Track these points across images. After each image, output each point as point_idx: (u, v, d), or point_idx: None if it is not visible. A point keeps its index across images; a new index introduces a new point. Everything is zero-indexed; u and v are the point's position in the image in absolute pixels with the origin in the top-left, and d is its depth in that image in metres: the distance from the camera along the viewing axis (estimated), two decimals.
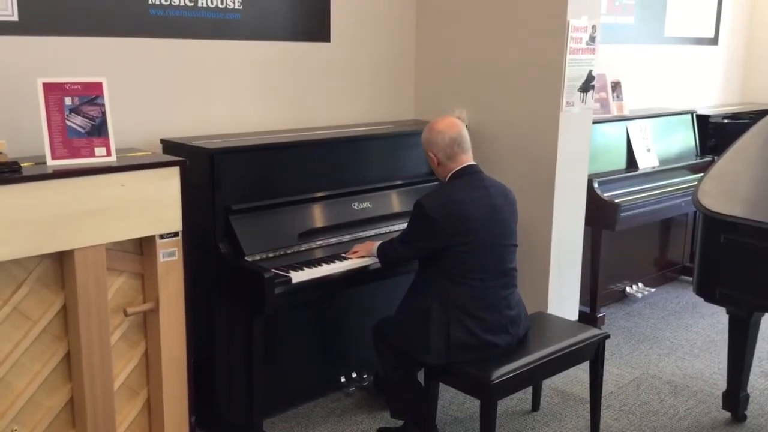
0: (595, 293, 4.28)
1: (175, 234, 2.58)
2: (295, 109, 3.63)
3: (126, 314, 2.53)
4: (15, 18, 2.71)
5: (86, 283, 2.38)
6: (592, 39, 3.61)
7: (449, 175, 2.80)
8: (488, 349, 2.71)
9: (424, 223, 2.69)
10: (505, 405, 3.34)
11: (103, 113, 2.48)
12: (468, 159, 2.82)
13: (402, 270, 3.16)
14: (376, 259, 2.97)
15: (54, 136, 2.39)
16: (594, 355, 2.99)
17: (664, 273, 5.14)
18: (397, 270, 3.12)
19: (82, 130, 2.44)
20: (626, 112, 4.65)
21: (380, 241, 2.98)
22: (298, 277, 2.81)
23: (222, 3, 3.27)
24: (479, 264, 2.70)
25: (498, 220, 2.75)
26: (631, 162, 4.55)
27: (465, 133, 2.82)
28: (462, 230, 2.67)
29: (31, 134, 2.56)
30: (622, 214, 4.09)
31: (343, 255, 3.03)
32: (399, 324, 2.86)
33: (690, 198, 4.29)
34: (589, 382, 3.06)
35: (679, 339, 4.21)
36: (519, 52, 3.66)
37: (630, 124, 4.58)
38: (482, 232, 2.70)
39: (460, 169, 2.79)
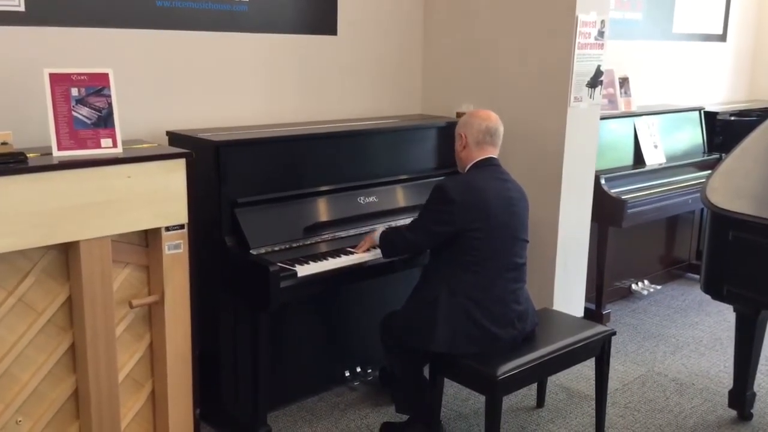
0: (601, 290, 4.27)
1: (181, 226, 2.57)
2: (302, 102, 3.62)
3: (131, 306, 2.53)
4: (21, 8, 2.70)
5: (91, 274, 2.38)
6: (601, 34, 3.58)
7: (470, 165, 2.82)
8: (493, 342, 2.71)
9: (444, 206, 2.69)
10: (509, 401, 3.34)
11: (110, 104, 2.47)
12: (492, 153, 2.85)
13: (409, 264, 3.16)
14: (378, 254, 2.96)
15: (60, 126, 2.38)
16: (600, 352, 2.98)
17: (670, 270, 5.13)
18: (402, 263, 3.12)
19: (89, 121, 2.43)
20: (634, 109, 4.63)
21: (382, 229, 2.97)
22: (303, 270, 2.81)
23: None
24: (491, 253, 2.70)
25: (513, 212, 2.77)
26: (639, 158, 4.54)
27: (501, 130, 2.87)
28: (479, 217, 2.67)
29: (37, 125, 2.56)
30: (628, 211, 4.08)
31: (350, 249, 3.02)
32: (406, 314, 2.86)
33: (697, 195, 4.30)
34: (594, 379, 3.04)
35: (685, 337, 4.20)
36: (527, 46, 3.64)
37: (637, 120, 4.56)
38: (497, 222, 2.70)
39: (482, 160, 2.81)
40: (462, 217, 2.68)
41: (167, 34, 3.11)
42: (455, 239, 2.70)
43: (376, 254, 2.99)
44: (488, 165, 2.82)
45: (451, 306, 2.69)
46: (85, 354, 2.42)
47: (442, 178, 3.22)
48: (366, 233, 3.15)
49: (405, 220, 3.25)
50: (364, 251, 3.01)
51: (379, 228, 3.03)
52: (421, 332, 2.74)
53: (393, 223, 3.26)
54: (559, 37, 3.52)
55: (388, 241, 2.91)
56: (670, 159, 4.70)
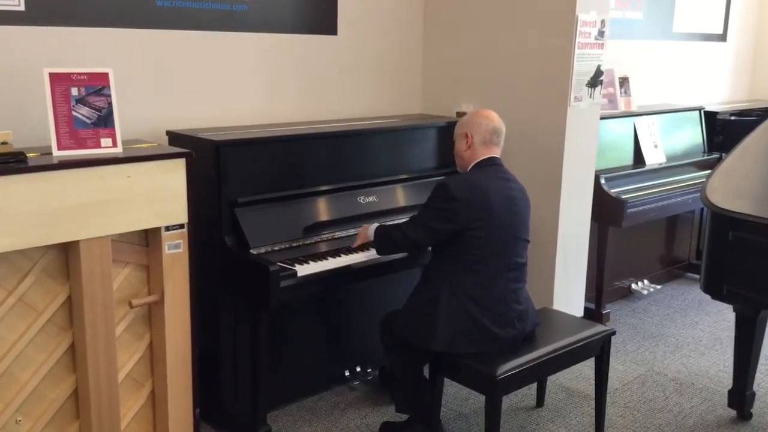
0: (601, 290, 4.27)
1: (181, 226, 2.57)
2: (302, 101, 3.62)
3: (131, 306, 2.53)
4: (21, 8, 2.70)
5: (91, 274, 2.38)
6: (601, 34, 3.58)
7: (473, 164, 2.82)
8: (492, 341, 2.71)
9: (446, 203, 2.69)
10: (509, 401, 3.34)
11: (110, 104, 2.47)
12: (496, 153, 2.85)
13: (409, 263, 3.15)
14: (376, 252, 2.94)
15: (60, 126, 2.38)
16: (599, 351, 2.98)
17: (670, 270, 5.13)
18: (402, 263, 3.12)
19: (89, 121, 2.43)
20: (634, 108, 4.63)
21: (377, 224, 2.96)
22: (303, 270, 2.80)
23: None
24: (492, 252, 2.70)
25: (515, 212, 2.77)
26: (639, 158, 4.54)
27: (504, 130, 2.87)
28: (481, 215, 2.67)
29: (37, 124, 2.56)
30: (628, 211, 4.08)
31: (349, 247, 3.02)
32: (407, 313, 2.85)
33: (697, 195, 4.30)
34: (594, 378, 3.04)
35: (685, 336, 4.20)
36: (527, 46, 3.64)
37: (637, 120, 4.56)
38: (499, 221, 2.70)
39: (484, 159, 2.81)
40: (464, 215, 2.67)
41: (167, 34, 3.10)
42: (456, 238, 2.70)
43: (374, 255, 2.97)
44: (491, 164, 2.82)
45: (452, 305, 2.69)
46: (85, 354, 2.42)
47: (442, 177, 3.22)
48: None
49: (405, 220, 3.26)
50: (357, 246, 3.00)
51: (374, 223, 2.99)
52: (421, 331, 2.74)
53: (393, 223, 3.25)
54: (559, 36, 3.51)
55: (385, 236, 2.88)
56: (670, 159, 4.70)
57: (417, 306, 2.81)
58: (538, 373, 2.98)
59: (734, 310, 3.16)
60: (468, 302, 2.69)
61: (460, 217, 2.67)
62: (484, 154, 2.82)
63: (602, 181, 4.10)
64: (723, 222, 2.98)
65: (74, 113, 2.41)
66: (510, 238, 2.75)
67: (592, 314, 4.19)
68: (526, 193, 2.86)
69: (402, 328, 2.84)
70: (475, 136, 2.81)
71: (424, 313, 2.74)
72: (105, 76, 2.47)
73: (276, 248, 2.90)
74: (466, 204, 2.67)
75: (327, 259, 2.93)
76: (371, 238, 2.94)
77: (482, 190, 2.71)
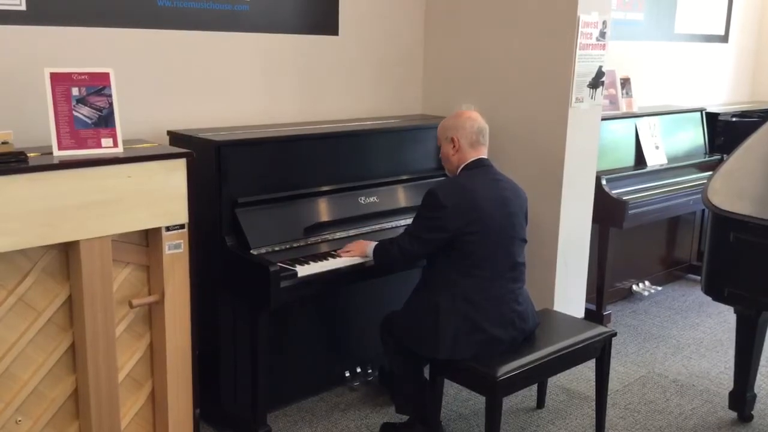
0: (602, 291, 4.27)
1: (181, 226, 2.57)
2: (303, 102, 3.62)
3: (131, 306, 2.53)
4: (23, 7, 2.70)
5: (92, 274, 2.38)
6: (603, 35, 3.58)
7: (462, 167, 2.81)
8: (493, 343, 2.70)
9: (436, 212, 2.68)
10: (510, 402, 3.33)
11: (111, 104, 2.47)
12: (484, 153, 2.84)
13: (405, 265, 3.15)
14: (370, 260, 2.91)
15: (61, 126, 2.38)
16: (600, 352, 2.98)
17: (671, 271, 5.12)
18: (396, 269, 3.12)
19: (89, 121, 2.43)
20: (635, 109, 4.63)
21: (375, 242, 2.92)
22: (303, 270, 2.80)
23: None
24: (488, 255, 2.69)
25: (507, 212, 2.76)
26: (640, 159, 4.53)
27: (488, 129, 2.87)
28: (473, 219, 2.66)
29: (37, 124, 2.55)
30: (629, 212, 4.08)
31: (334, 252, 2.98)
32: (407, 319, 2.84)
33: (698, 196, 4.29)
34: (594, 380, 3.04)
35: (686, 338, 4.19)
36: (528, 47, 3.64)
37: (639, 121, 4.56)
38: (492, 223, 2.69)
39: (473, 161, 2.80)
40: (455, 221, 2.66)
41: (168, 34, 3.10)
42: (452, 243, 2.69)
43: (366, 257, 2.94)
44: (480, 166, 2.80)
45: (452, 311, 2.68)
46: (85, 354, 2.42)
47: (442, 178, 3.22)
48: (367, 234, 3.15)
49: (406, 221, 3.25)
50: (351, 257, 2.94)
51: (371, 242, 2.94)
52: (424, 341, 2.73)
53: (394, 224, 3.25)
54: (560, 37, 3.51)
55: (384, 253, 2.86)
56: (671, 160, 4.70)
57: (417, 313, 2.79)
58: (539, 375, 2.97)
59: (735, 312, 3.16)
60: (468, 306, 2.68)
61: (451, 224, 2.66)
62: (472, 156, 2.80)
63: (603, 182, 4.09)
64: (724, 223, 2.97)
65: (75, 113, 2.41)
66: (506, 238, 2.74)
67: (593, 315, 4.19)
68: (519, 192, 2.85)
69: (404, 335, 2.83)
70: (461, 139, 2.80)
71: (426, 322, 2.72)
72: (106, 75, 2.47)
73: (276, 248, 2.90)
74: (456, 210, 2.66)
75: (327, 259, 2.92)
76: (369, 254, 2.91)
77: (471, 193, 2.70)
